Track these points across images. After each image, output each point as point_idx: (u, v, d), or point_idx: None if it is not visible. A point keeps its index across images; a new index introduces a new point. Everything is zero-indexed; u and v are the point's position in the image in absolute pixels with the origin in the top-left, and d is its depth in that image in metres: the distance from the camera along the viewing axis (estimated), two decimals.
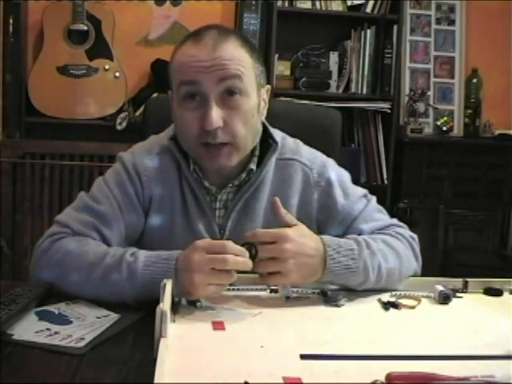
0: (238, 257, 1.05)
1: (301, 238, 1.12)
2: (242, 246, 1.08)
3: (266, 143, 1.32)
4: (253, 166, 1.30)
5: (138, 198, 1.28)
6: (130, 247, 1.17)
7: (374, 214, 1.34)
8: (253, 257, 1.08)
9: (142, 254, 1.12)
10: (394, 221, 1.36)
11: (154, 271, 1.08)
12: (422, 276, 1.29)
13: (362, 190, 1.38)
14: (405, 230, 1.33)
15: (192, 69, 1.19)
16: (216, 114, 1.18)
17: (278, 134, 1.35)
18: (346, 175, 1.39)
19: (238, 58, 1.21)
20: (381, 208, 1.38)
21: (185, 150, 1.29)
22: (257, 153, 1.31)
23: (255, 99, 1.25)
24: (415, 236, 1.33)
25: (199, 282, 1.04)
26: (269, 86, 1.32)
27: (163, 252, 1.12)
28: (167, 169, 1.30)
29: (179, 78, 1.22)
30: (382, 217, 1.36)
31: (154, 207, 1.29)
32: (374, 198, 1.38)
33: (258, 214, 1.31)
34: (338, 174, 1.37)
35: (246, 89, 1.22)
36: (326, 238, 1.17)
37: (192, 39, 1.23)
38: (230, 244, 1.06)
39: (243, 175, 1.29)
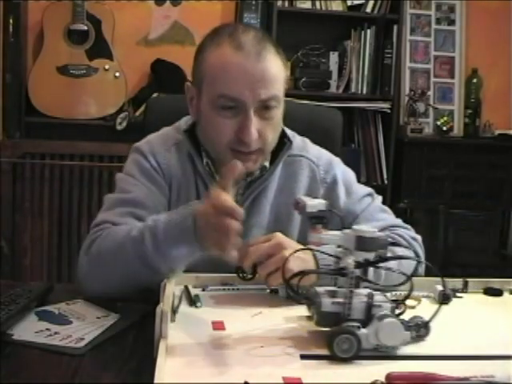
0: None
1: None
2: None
3: (279, 141, 1.32)
4: (266, 163, 1.32)
5: (163, 183, 1.29)
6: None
7: (376, 213, 1.34)
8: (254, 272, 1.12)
9: (162, 215, 1.11)
10: (398, 221, 1.36)
11: (174, 220, 1.06)
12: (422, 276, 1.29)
13: (367, 189, 1.38)
14: (405, 231, 1.33)
15: (236, 84, 1.18)
16: (255, 128, 1.19)
17: (287, 132, 1.35)
18: (351, 174, 1.40)
19: (279, 73, 1.22)
20: (385, 208, 1.38)
21: (198, 144, 1.29)
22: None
23: (283, 106, 1.26)
24: (418, 237, 1.33)
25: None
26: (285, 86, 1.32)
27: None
28: (183, 161, 1.32)
29: (219, 89, 1.20)
30: (385, 217, 1.35)
31: (173, 196, 1.30)
32: (379, 198, 1.38)
33: (265, 208, 1.33)
34: (343, 172, 1.38)
35: (280, 101, 1.24)
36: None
37: (229, 43, 1.20)
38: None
39: (257, 172, 1.30)
